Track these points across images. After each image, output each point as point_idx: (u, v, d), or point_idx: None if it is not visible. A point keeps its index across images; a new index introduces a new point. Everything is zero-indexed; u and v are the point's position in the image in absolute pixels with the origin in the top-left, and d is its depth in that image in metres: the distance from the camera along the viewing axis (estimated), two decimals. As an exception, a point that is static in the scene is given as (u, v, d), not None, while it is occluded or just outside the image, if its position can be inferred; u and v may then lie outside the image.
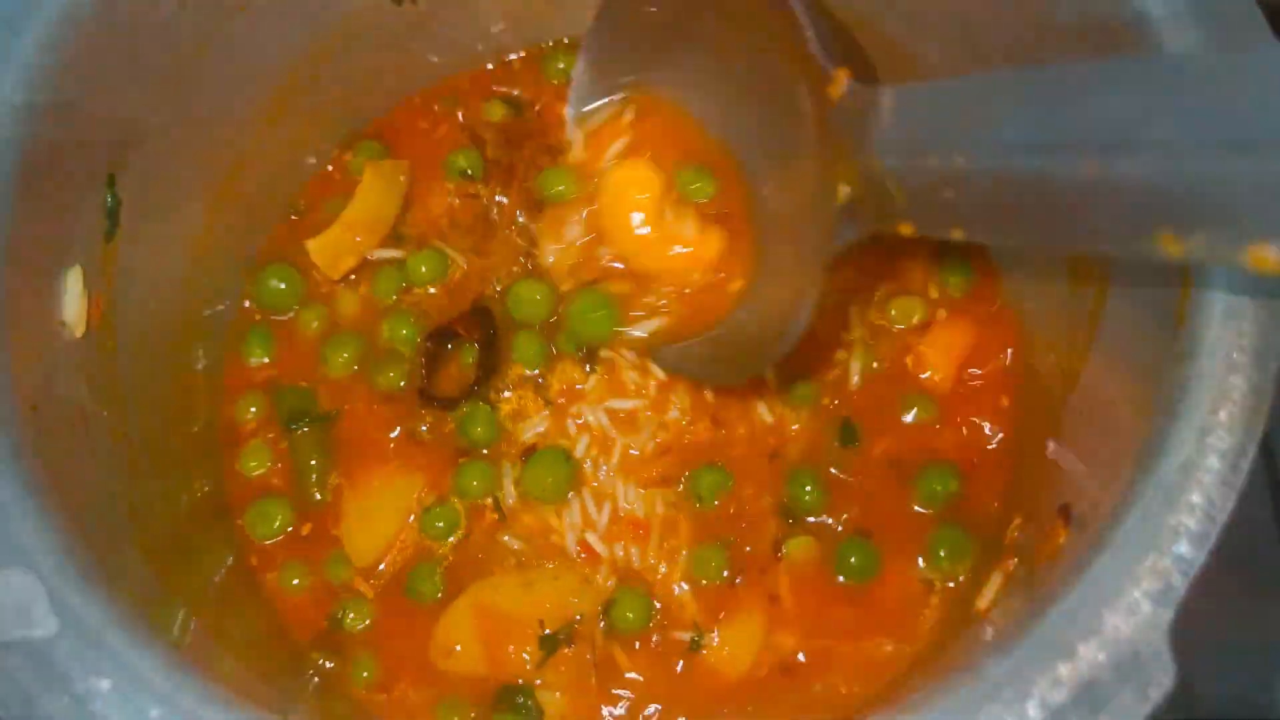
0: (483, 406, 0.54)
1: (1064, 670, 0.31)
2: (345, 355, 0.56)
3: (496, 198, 0.59)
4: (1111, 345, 0.44)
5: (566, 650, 0.50)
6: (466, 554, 0.53)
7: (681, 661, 0.50)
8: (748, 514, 0.53)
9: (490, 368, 0.55)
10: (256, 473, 0.55)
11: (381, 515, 0.53)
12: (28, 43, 0.43)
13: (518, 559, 0.52)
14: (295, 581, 0.52)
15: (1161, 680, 0.30)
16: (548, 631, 0.50)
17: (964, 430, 0.54)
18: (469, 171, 0.60)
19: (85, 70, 0.44)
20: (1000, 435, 0.53)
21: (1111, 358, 0.44)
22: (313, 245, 0.58)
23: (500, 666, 0.50)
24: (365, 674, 0.50)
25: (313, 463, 0.54)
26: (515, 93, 0.63)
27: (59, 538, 0.35)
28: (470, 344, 0.55)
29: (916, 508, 0.52)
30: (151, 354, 0.51)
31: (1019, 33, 0.47)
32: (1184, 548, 0.32)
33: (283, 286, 0.58)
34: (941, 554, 0.51)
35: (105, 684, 0.32)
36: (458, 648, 0.50)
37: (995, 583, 0.44)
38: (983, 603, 0.43)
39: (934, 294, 0.56)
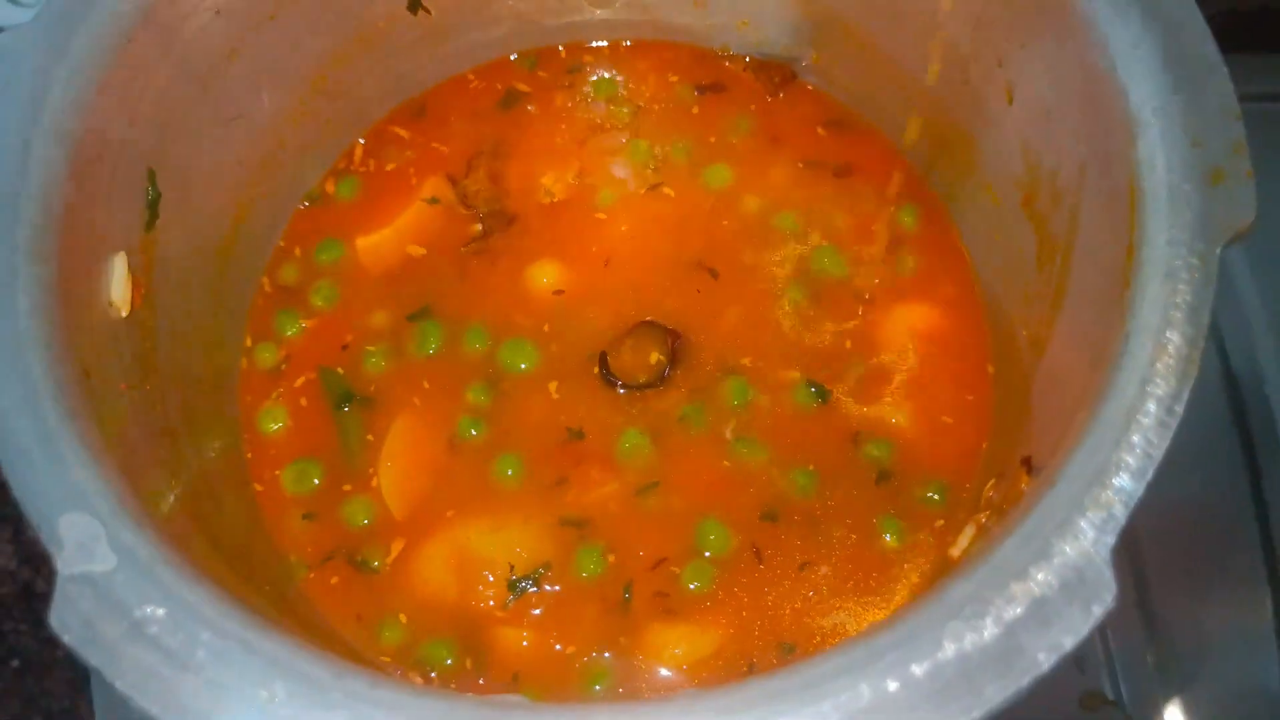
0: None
1: (1017, 589, 0.34)
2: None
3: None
4: (1072, 315, 0.48)
5: (531, 593, 0.54)
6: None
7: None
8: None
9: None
10: (273, 428, 0.59)
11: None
12: (78, 47, 0.47)
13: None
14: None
15: (1104, 597, 0.34)
16: (515, 576, 0.54)
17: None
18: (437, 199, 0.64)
19: (130, 73, 0.48)
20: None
21: (1072, 326, 0.47)
22: (362, 243, 0.63)
23: (470, 601, 0.54)
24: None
25: (369, 437, 0.59)
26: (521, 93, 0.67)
27: (112, 486, 0.39)
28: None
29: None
30: (185, 334, 0.55)
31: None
32: (1125, 480, 0.36)
33: (328, 259, 0.63)
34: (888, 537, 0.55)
35: (160, 611, 0.36)
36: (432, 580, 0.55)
37: (968, 534, 0.48)
38: (956, 551, 0.47)
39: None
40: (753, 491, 0.57)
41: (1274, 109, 0.80)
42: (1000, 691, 0.33)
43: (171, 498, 0.45)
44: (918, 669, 0.33)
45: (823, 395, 0.58)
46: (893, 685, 0.33)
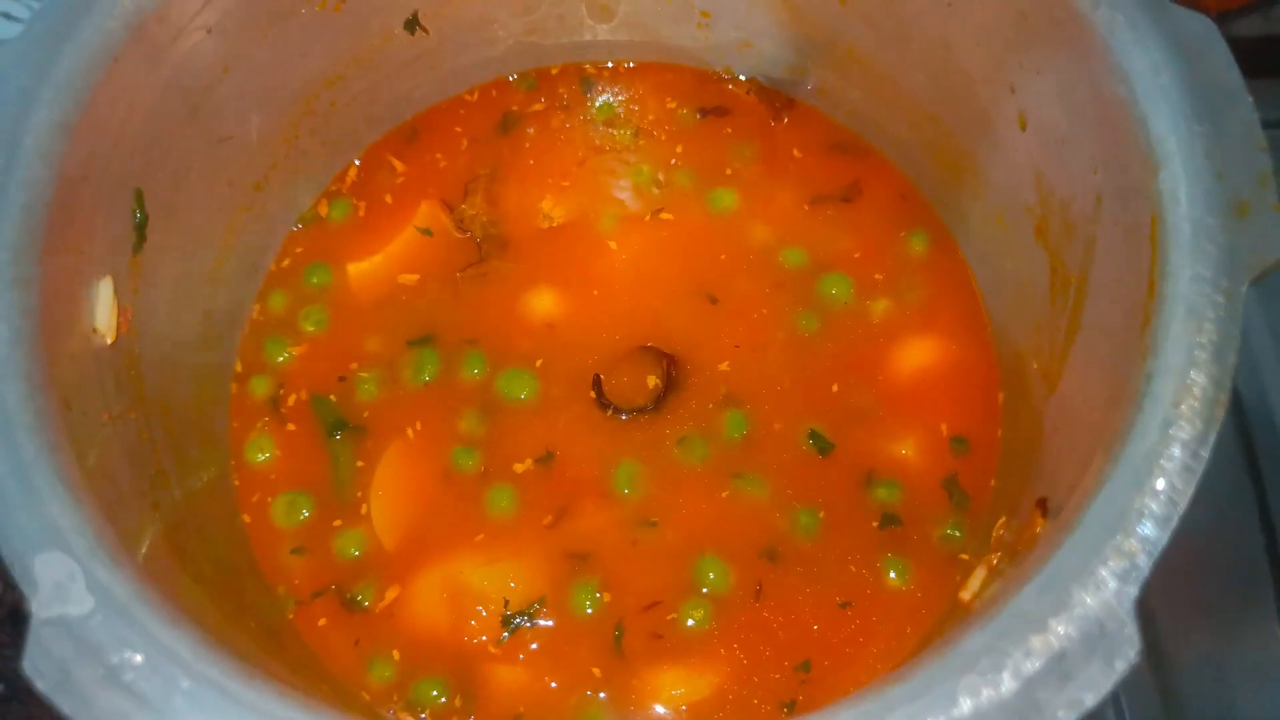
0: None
1: (1036, 642, 0.33)
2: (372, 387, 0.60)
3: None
4: (1086, 349, 0.46)
5: (526, 628, 0.53)
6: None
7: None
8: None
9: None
10: (260, 458, 0.58)
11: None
12: (64, 65, 0.45)
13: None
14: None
15: (1127, 653, 0.32)
16: (508, 611, 0.53)
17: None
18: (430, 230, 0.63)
19: (117, 91, 0.47)
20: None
21: (1087, 361, 0.46)
22: (354, 269, 0.62)
23: (463, 637, 0.53)
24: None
25: (359, 464, 0.58)
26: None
27: (90, 523, 0.37)
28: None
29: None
30: (172, 361, 0.53)
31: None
32: (1148, 528, 0.34)
33: (319, 283, 0.62)
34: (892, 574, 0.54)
35: (138, 657, 0.34)
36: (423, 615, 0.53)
37: (979, 576, 0.46)
38: (967, 594, 0.46)
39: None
40: (753, 528, 0.55)
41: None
42: (1019, 751, 0.31)
43: (153, 532, 0.43)
44: (933, 726, 0.32)
45: (824, 444, 0.57)
46: (907, 743, 0.32)
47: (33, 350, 0.41)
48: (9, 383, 0.39)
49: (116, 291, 0.48)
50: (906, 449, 0.57)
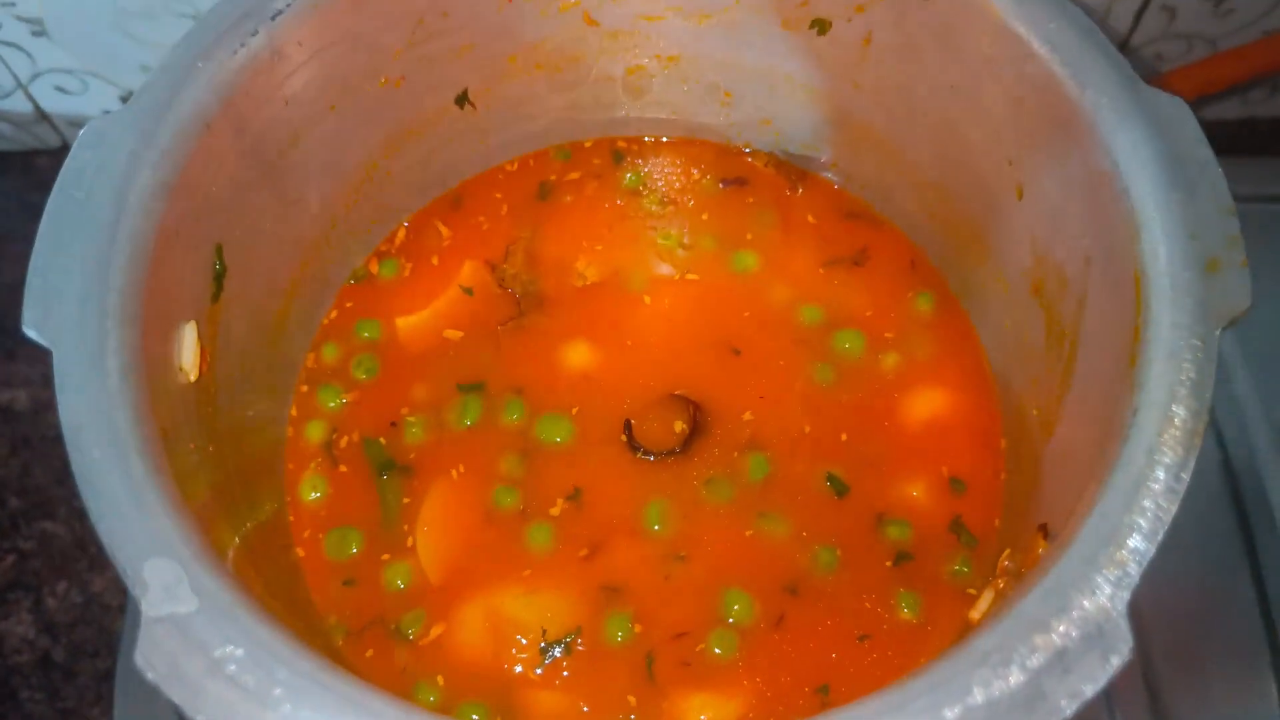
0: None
1: (1040, 641, 0.37)
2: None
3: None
4: (1080, 394, 0.51)
5: (563, 656, 0.57)
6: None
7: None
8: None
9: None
10: (313, 496, 0.62)
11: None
12: (165, 133, 0.50)
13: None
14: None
15: (1121, 649, 0.37)
16: (545, 641, 0.57)
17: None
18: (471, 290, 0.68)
19: (208, 156, 0.52)
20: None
21: (1080, 404, 0.51)
22: (402, 323, 0.67)
23: (503, 664, 0.57)
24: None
25: (406, 501, 0.62)
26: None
27: (192, 536, 0.42)
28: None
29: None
30: (241, 403, 0.58)
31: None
32: (1137, 541, 0.39)
33: (369, 336, 0.67)
34: (905, 609, 0.58)
35: (239, 651, 0.38)
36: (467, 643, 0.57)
37: (987, 598, 0.50)
38: (976, 615, 0.50)
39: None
40: (775, 563, 0.60)
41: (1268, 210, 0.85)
42: (1026, 735, 0.35)
43: (233, 553, 0.48)
44: (949, 713, 0.36)
45: (840, 487, 0.61)
46: (926, 728, 0.36)
47: (137, 382, 0.45)
48: (121, 410, 0.43)
49: (199, 336, 0.53)
50: (917, 491, 0.62)
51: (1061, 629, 0.37)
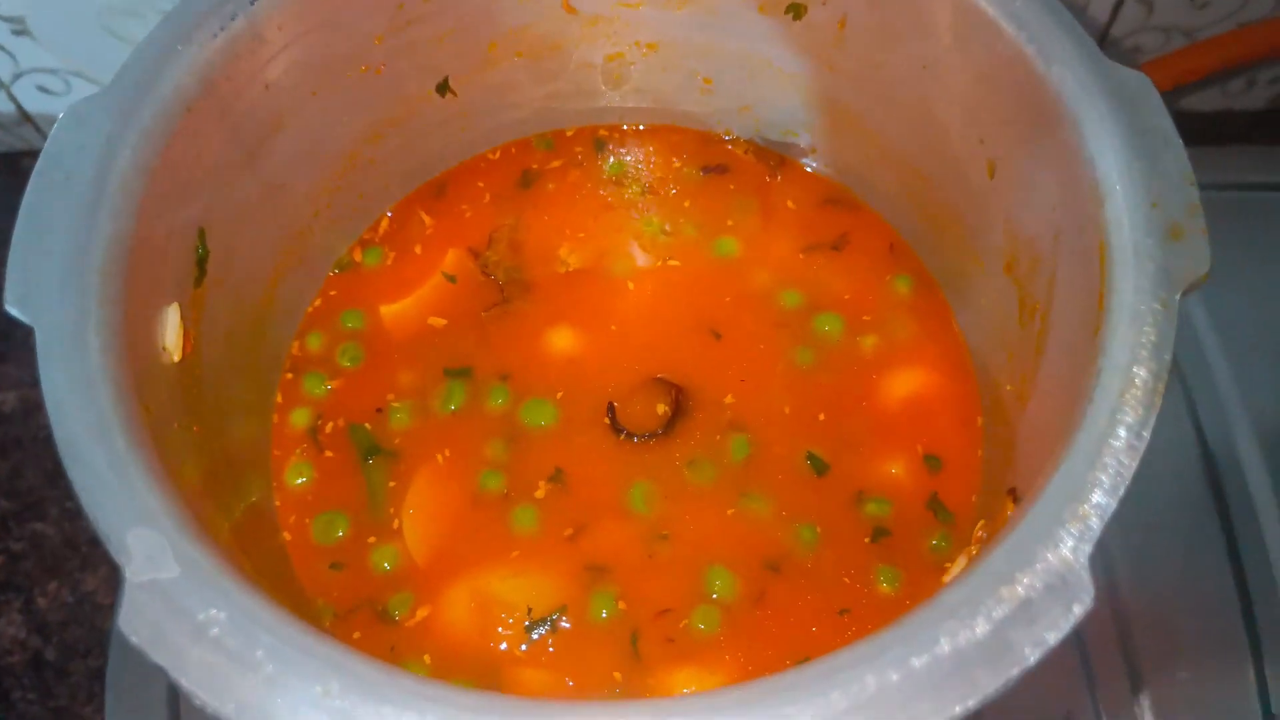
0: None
1: (1005, 592, 0.38)
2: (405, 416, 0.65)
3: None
4: (1051, 366, 0.52)
5: (549, 634, 0.57)
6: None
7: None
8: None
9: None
10: (299, 482, 0.63)
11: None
12: (145, 115, 0.51)
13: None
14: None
15: (1084, 598, 0.37)
16: (530, 620, 0.58)
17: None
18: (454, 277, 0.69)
19: (189, 139, 0.53)
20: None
21: (1051, 376, 0.52)
22: (386, 310, 0.68)
23: (490, 643, 0.57)
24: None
25: (391, 484, 0.63)
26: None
27: (175, 507, 0.42)
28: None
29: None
30: (227, 387, 0.59)
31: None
32: (1099, 496, 0.40)
33: (353, 326, 0.68)
34: (884, 583, 0.59)
35: (222, 615, 0.39)
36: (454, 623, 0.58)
37: (960, 563, 0.51)
38: (947, 579, 0.51)
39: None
40: (757, 540, 0.60)
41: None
42: (992, 682, 0.36)
43: (225, 530, 0.48)
44: (917, 662, 0.37)
45: (820, 465, 0.62)
46: (895, 676, 0.36)
47: (119, 360, 0.46)
48: (102, 385, 0.44)
49: (182, 318, 0.53)
50: (896, 468, 0.62)
51: (1026, 581, 0.38)
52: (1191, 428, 0.77)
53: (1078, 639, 0.70)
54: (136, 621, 0.39)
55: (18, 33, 0.80)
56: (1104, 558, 0.70)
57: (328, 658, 0.38)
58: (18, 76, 0.85)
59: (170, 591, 0.39)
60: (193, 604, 0.39)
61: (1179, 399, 0.77)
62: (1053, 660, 0.69)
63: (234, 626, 0.39)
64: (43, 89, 0.86)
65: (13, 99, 0.87)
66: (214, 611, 0.39)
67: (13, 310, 0.45)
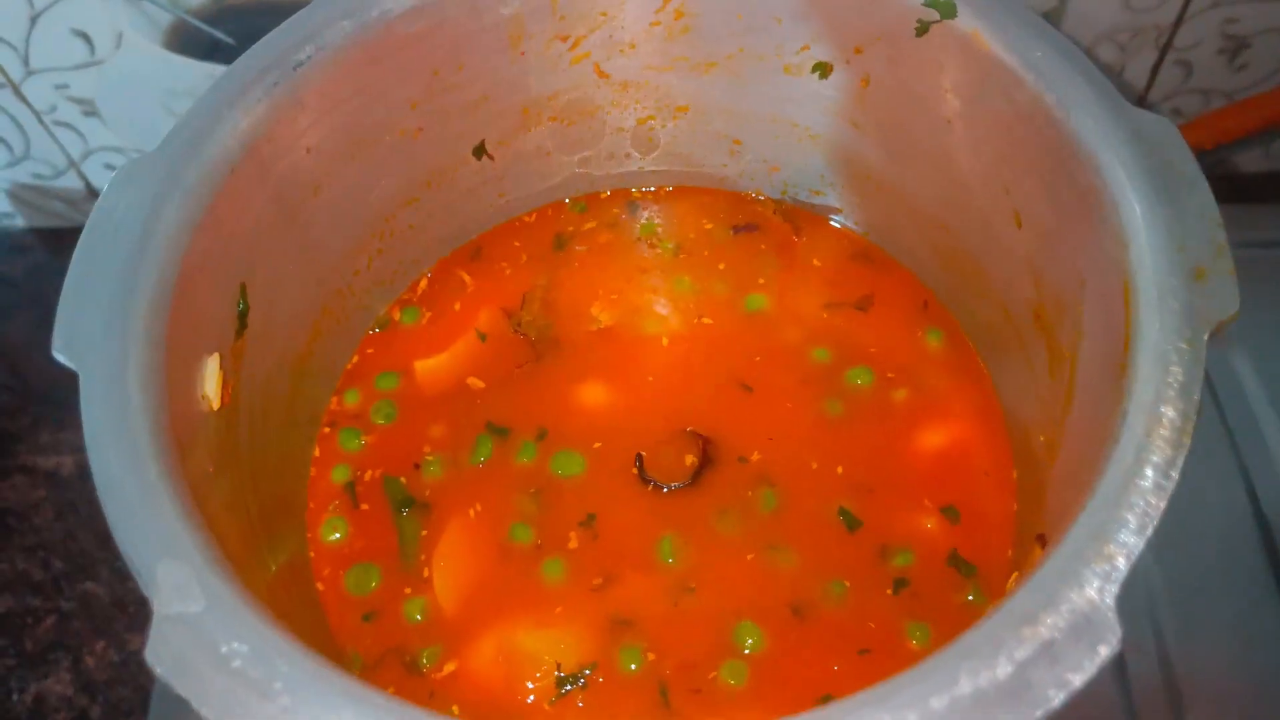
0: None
1: (1028, 633, 0.37)
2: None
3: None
4: (1080, 414, 0.52)
5: (579, 691, 0.57)
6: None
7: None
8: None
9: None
10: (334, 538, 0.64)
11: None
12: (191, 174, 0.53)
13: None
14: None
15: (1110, 640, 0.37)
16: (560, 673, 0.57)
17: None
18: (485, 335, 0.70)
19: (232, 198, 0.55)
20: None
21: (1080, 424, 0.51)
22: (420, 366, 0.69)
23: (518, 696, 0.57)
24: None
25: (423, 533, 0.64)
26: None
27: (204, 542, 0.43)
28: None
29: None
30: (264, 438, 0.60)
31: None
32: (1127, 536, 0.39)
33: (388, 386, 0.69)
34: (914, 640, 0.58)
35: (244, 647, 0.39)
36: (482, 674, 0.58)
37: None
38: (976, 628, 0.50)
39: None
40: (784, 593, 0.60)
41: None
42: (1013, 723, 0.35)
43: (263, 582, 0.49)
44: (936, 702, 0.36)
45: (852, 520, 0.62)
46: (912, 717, 0.36)
47: (158, 403, 0.47)
48: (140, 425, 0.45)
49: (222, 367, 0.55)
50: (930, 523, 0.62)
51: (1049, 621, 0.37)
52: (1243, 490, 0.75)
53: (1129, 707, 0.68)
54: (162, 652, 0.39)
55: (87, 114, 0.84)
56: (1154, 623, 0.69)
57: (343, 689, 0.39)
58: (86, 155, 0.88)
59: (195, 624, 0.40)
60: (217, 636, 0.40)
61: (1230, 460, 0.76)
62: (1104, 726, 0.68)
63: (255, 657, 0.39)
64: (109, 166, 0.89)
65: (82, 176, 0.91)
66: (236, 644, 0.40)
67: (59, 356, 0.47)
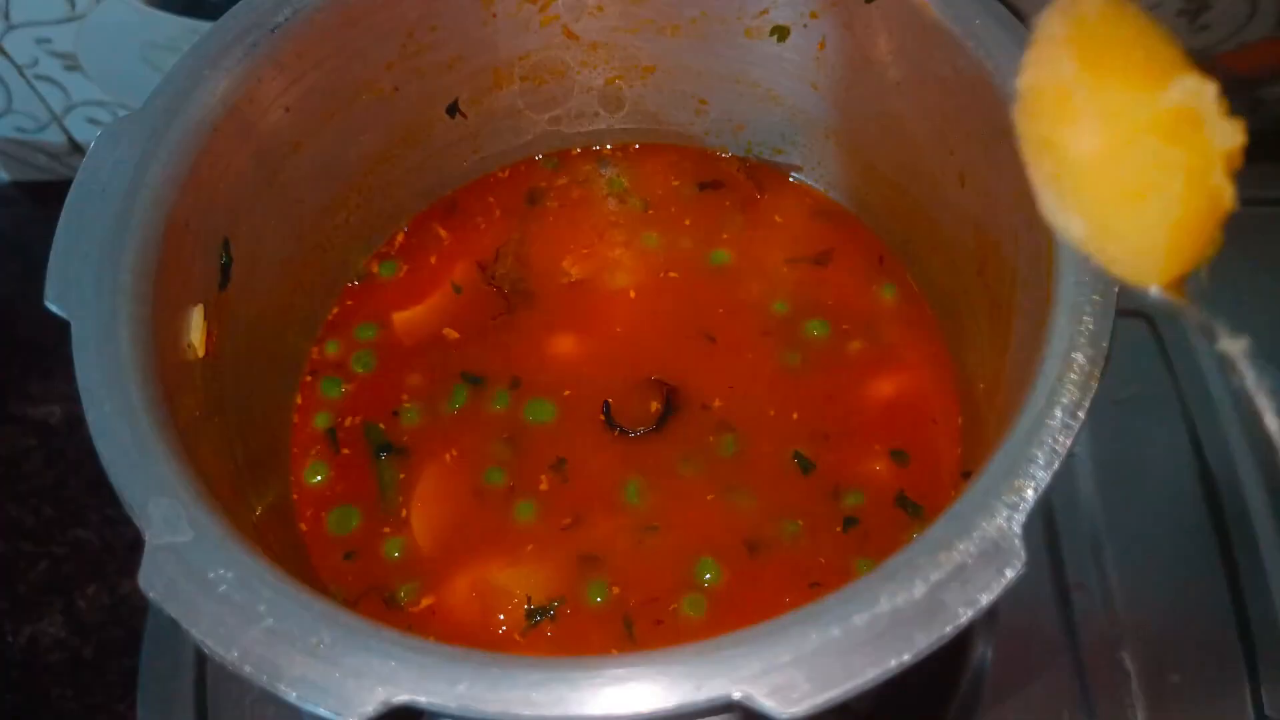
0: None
1: (942, 558, 0.41)
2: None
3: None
4: (1014, 362, 0.55)
5: (548, 623, 0.61)
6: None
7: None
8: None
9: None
10: (316, 480, 0.67)
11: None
12: (175, 133, 0.56)
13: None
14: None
15: (1015, 564, 0.41)
16: (530, 606, 0.61)
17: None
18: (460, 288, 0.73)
19: (215, 157, 0.58)
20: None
21: (1013, 369, 0.55)
22: (398, 317, 0.72)
23: (492, 628, 0.61)
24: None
25: (401, 476, 0.67)
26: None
27: (192, 481, 0.47)
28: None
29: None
30: (248, 387, 0.63)
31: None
32: (1035, 470, 0.43)
33: (368, 336, 0.72)
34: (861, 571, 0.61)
35: (230, 574, 0.43)
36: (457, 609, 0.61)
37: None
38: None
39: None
40: (742, 532, 0.64)
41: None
42: (926, 638, 0.39)
43: (250, 521, 0.53)
44: (858, 619, 0.40)
45: (806, 464, 0.65)
46: (836, 632, 0.40)
47: (147, 352, 0.50)
48: (130, 373, 0.49)
49: (206, 318, 0.58)
50: (880, 466, 0.65)
51: (962, 547, 0.41)
52: (1188, 443, 0.79)
53: (1074, 653, 0.72)
54: (154, 579, 0.43)
55: (69, 68, 0.86)
56: (1100, 573, 0.73)
57: (322, 612, 0.42)
58: (69, 109, 0.90)
59: (184, 553, 0.44)
60: (204, 564, 0.44)
61: (1177, 416, 0.80)
62: (1050, 674, 0.72)
63: (239, 584, 0.43)
64: (92, 120, 0.91)
65: (64, 130, 0.93)
66: (222, 571, 0.43)
67: (51, 306, 0.50)
